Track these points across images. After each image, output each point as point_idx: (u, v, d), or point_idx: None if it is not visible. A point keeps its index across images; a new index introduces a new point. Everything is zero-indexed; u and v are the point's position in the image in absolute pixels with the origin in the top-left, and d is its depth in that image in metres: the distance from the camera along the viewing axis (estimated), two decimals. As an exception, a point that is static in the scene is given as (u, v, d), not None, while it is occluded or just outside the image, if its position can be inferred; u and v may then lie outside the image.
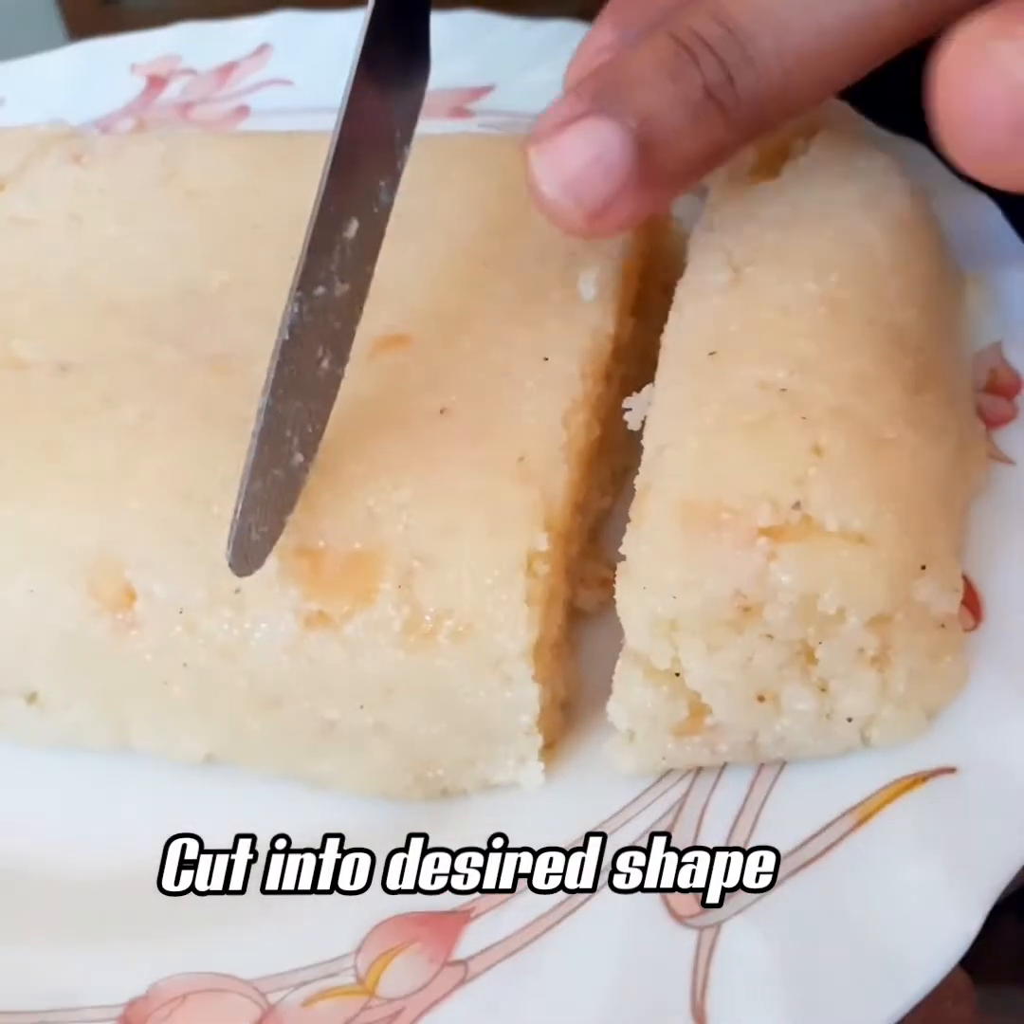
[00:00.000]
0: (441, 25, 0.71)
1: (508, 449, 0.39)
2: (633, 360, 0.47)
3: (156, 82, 0.71)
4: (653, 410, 0.41)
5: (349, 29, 0.71)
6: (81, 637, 0.38)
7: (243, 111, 0.69)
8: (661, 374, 0.42)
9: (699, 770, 0.38)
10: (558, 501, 0.39)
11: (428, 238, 0.48)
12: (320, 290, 0.38)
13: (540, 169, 0.37)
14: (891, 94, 0.60)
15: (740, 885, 0.34)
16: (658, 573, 0.36)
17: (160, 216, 0.50)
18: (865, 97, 0.49)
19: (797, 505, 0.36)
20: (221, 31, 0.73)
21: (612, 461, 0.47)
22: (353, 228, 0.40)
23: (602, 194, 0.37)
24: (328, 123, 0.65)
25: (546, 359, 0.42)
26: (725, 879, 0.34)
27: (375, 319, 0.42)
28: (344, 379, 0.39)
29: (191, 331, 0.45)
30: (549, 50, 0.67)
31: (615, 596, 0.37)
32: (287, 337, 0.37)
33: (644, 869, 0.35)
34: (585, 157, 0.37)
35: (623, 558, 0.37)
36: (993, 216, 0.53)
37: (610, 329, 0.45)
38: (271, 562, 0.36)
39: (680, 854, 0.35)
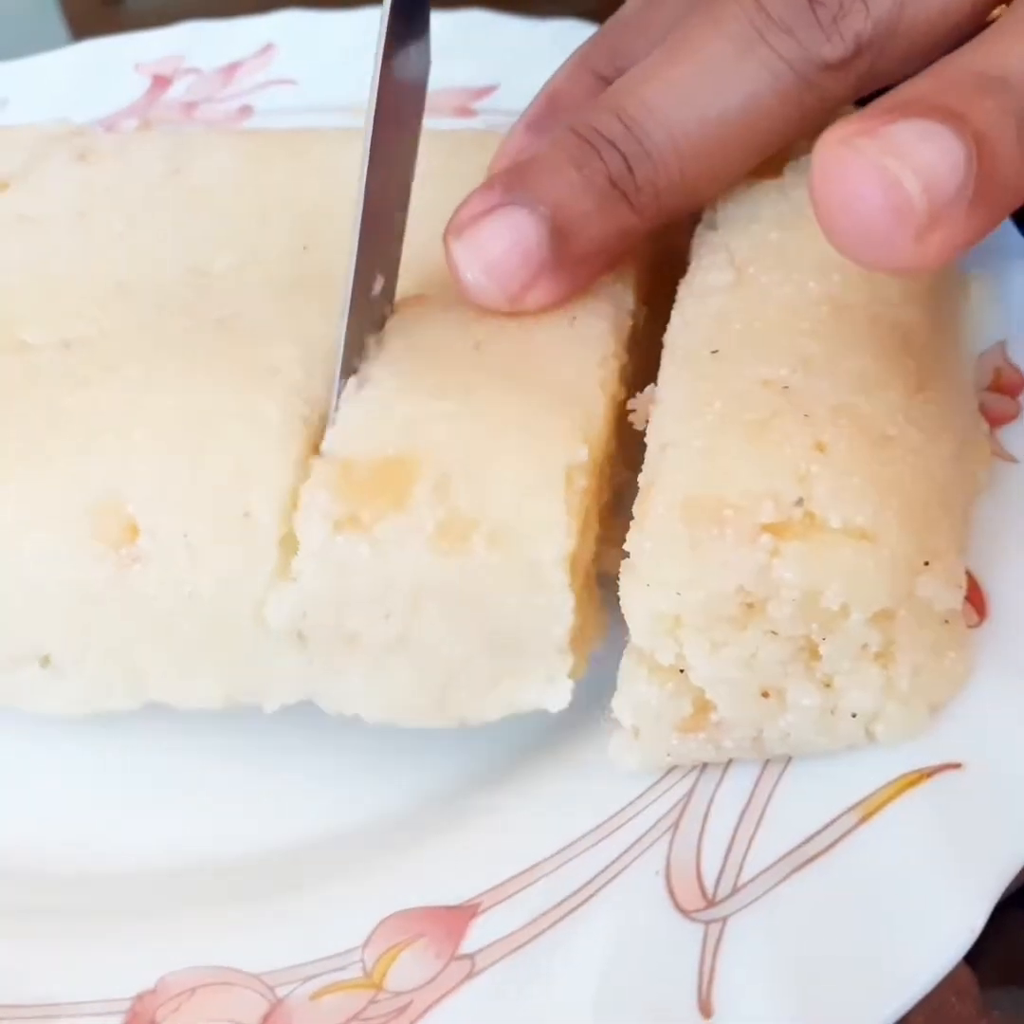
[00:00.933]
0: (445, 24, 0.71)
1: (546, 378, 0.39)
2: (643, 353, 0.47)
3: (160, 82, 0.72)
4: (656, 408, 0.41)
5: (353, 28, 0.72)
6: (88, 583, 0.38)
7: (247, 111, 0.70)
8: (664, 372, 0.42)
9: (704, 766, 0.38)
10: (597, 422, 0.39)
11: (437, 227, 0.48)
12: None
13: (461, 257, 0.40)
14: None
15: (746, 880, 0.34)
16: (661, 570, 0.36)
17: (167, 211, 0.50)
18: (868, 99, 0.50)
19: (800, 502, 0.36)
20: (225, 30, 0.73)
21: (634, 445, 0.47)
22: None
23: (521, 278, 0.40)
24: (332, 122, 0.66)
25: (574, 318, 0.42)
26: (731, 874, 0.35)
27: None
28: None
29: (198, 304, 0.45)
30: (553, 50, 0.67)
31: (619, 593, 0.37)
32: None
33: (650, 864, 0.36)
34: (503, 244, 0.40)
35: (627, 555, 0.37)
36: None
37: (630, 305, 0.45)
38: (284, 486, 0.37)
39: (685, 849, 0.36)
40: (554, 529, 0.36)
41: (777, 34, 0.39)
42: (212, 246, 0.48)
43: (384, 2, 0.41)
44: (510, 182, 0.41)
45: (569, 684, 0.38)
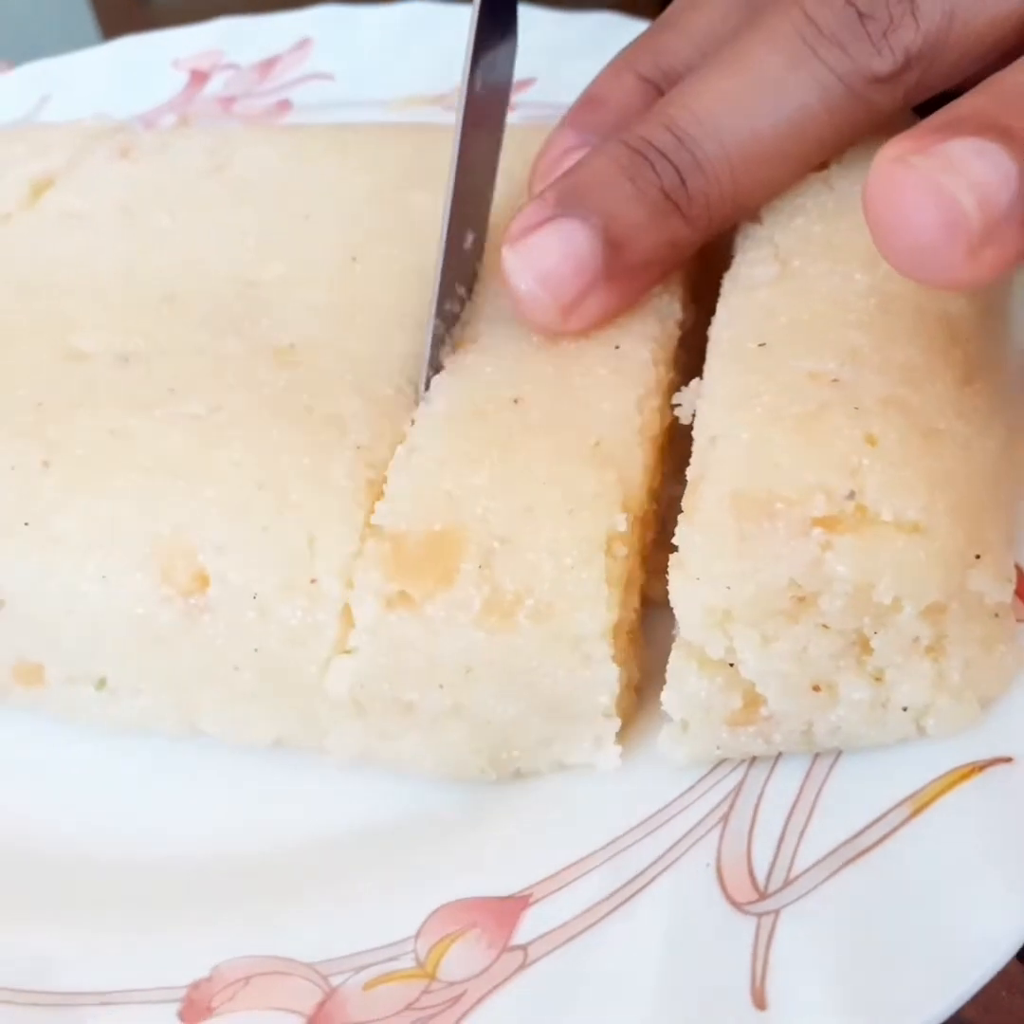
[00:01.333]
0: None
1: (584, 434, 0.40)
2: (695, 349, 0.47)
3: (198, 77, 0.72)
4: (703, 402, 0.41)
5: (389, 22, 0.72)
6: (152, 622, 0.39)
7: (285, 105, 0.70)
8: (710, 366, 0.42)
9: (753, 760, 0.38)
10: (635, 483, 0.39)
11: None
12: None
13: (515, 267, 0.41)
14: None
15: (798, 874, 0.34)
16: (712, 564, 0.36)
17: (211, 208, 0.51)
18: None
19: (851, 495, 0.36)
20: (262, 26, 0.74)
21: (682, 449, 0.48)
22: None
23: (575, 288, 0.41)
24: (369, 116, 0.66)
25: (617, 347, 0.42)
26: (783, 867, 0.35)
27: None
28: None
29: (250, 322, 0.45)
30: (589, 43, 0.67)
31: (662, 574, 0.37)
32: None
33: (701, 857, 0.36)
34: (557, 255, 0.40)
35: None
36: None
37: (678, 315, 0.45)
38: (350, 552, 0.37)
39: (736, 842, 0.36)
40: (596, 603, 0.37)
41: (828, 47, 0.39)
42: (258, 252, 0.48)
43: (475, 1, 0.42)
44: (563, 194, 0.41)
45: (617, 748, 0.39)
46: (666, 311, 0.45)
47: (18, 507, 0.40)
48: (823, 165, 0.48)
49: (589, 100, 0.48)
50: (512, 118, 0.67)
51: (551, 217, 0.40)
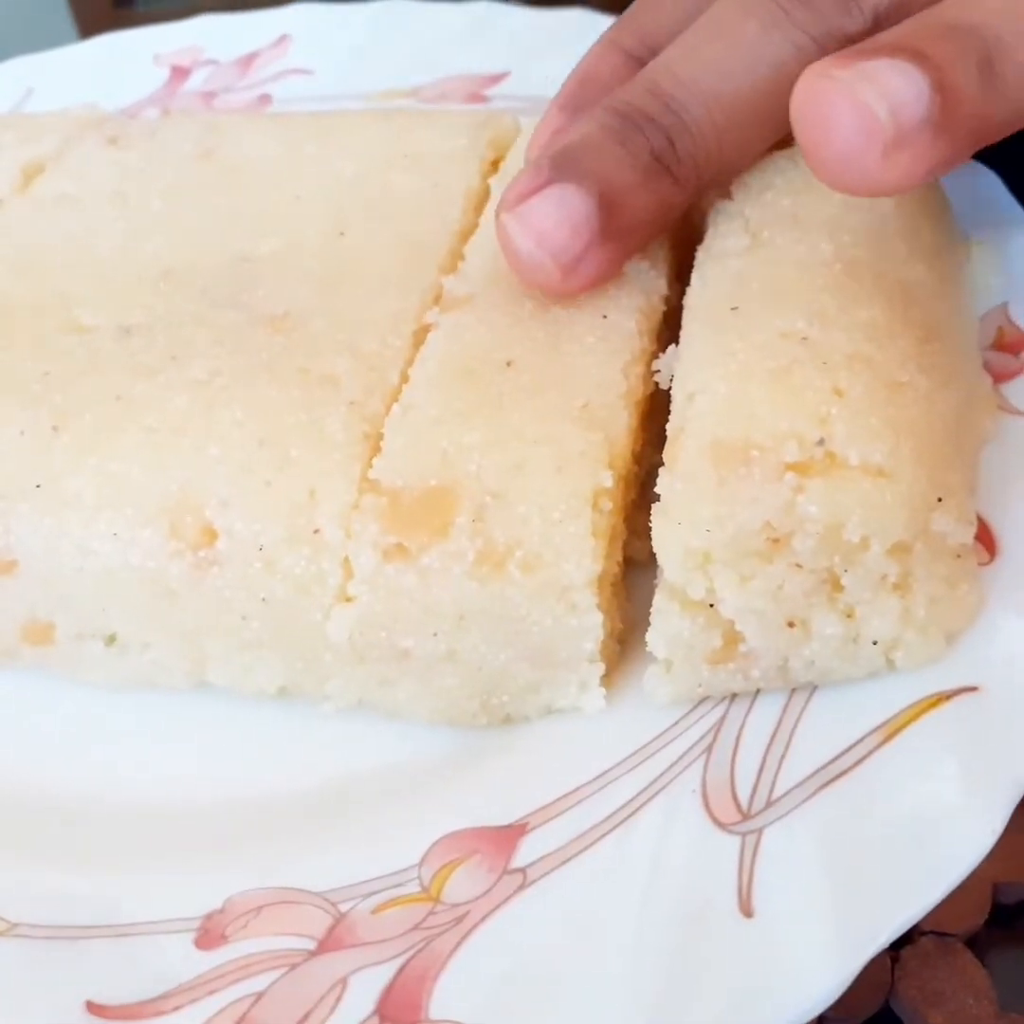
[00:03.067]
0: (457, 14, 0.74)
1: (572, 397, 0.41)
2: (673, 326, 0.50)
3: (179, 72, 0.74)
4: (680, 363, 0.43)
5: (366, 20, 0.75)
6: (163, 576, 0.40)
7: (265, 100, 0.72)
8: (686, 330, 0.45)
9: (733, 697, 0.41)
10: (620, 443, 0.41)
11: (485, 213, 0.51)
12: None
13: (515, 231, 0.42)
14: None
15: (779, 795, 0.37)
16: (692, 509, 0.38)
17: (203, 191, 0.53)
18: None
19: (821, 442, 0.38)
20: (241, 22, 0.75)
21: (661, 421, 0.50)
22: None
23: (573, 249, 0.42)
24: (349, 108, 0.67)
25: (605, 316, 0.45)
26: (764, 791, 0.37)
27: (438, 281, 0.47)
28: (415, 332, 0.44)
29: (246, 293, 0.47)
30: (562, 38, 0.69)
31: (651, 533, 0.39)
32: None
33: (686, 784, 0.38)
34: (555, 217, 0.42)
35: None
36: (993, 184, 0.56)
37: (663, 290, 0.47)
38: (349, 501, 0.39)
39: (720, 769, 0.38)
40: (582, 555, 0.39)
41: (800, 10, 0.41)
42: (251, 229, 0.50)
43: None
44: (557, 160, 0.42)
45: (601, 690, 0.41)
46: (652, 286, 0.47)
47: (30, 470, 0.41)
48: (789, 143, 0.51)
49: (578, 81, 0.50)
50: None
51: (547, 182, 0.42)
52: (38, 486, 0.41)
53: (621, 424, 0.42)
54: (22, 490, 0.41)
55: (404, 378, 0.44)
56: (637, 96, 0.43)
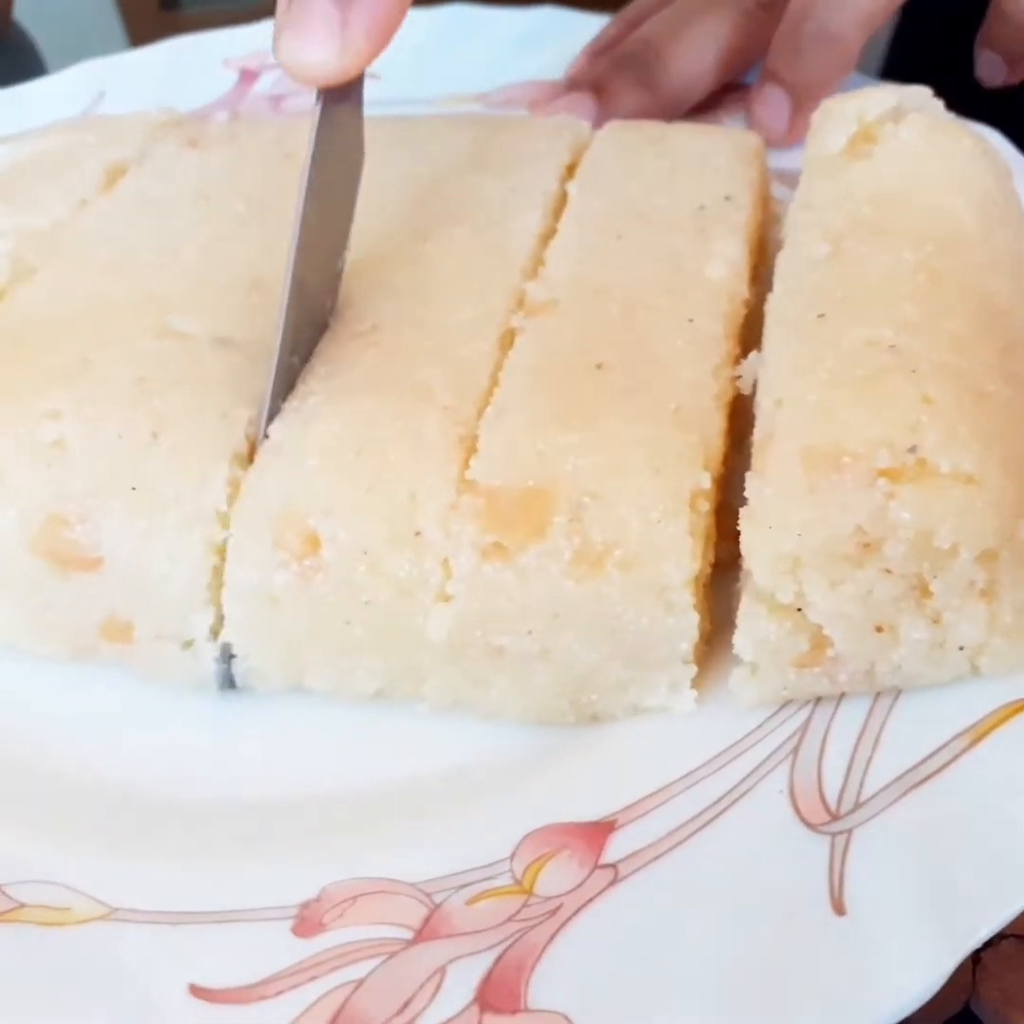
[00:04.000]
0: (520, 20, 0.75)
1: (664, 399, 0.42)
2: (749, 329, 0.50)
3: (248, 76, 0.75)
4: (765, 370, 0.44)
5: (432, 25, 0.75)
6: (268, 586, 0.41)
7: (334, 104, 0.73)
8: (770, 337, 0.45)
9: (818, 700, 0.41)
10: (714, 445, 0.42)
11: (564, 218, 0.52)
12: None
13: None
14: (969, 86, 0.65)
15: (867, 797, 0.37)
16: (783, 513, 0.39)
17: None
18: (945, 88, 0.54)
19: (913, 449, 0.39)
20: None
21: (738, 424, 0.50)
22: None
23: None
24: (417, 112, 0.68)
25: (691, 320, 0.45)
26: (853, 792, 0.37)
27: (521, 285, 0.48)
28: (501, 337, 0.46)
29: (337, 307, 0.48)
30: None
31: (740, 537, 0.40)
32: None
33: (773, 785, 0.38)
34: (571, 112, 0.64)
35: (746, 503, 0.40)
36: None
37: (745, 295, 0.48)
38: (448, 502, 0.40)
39: (807, 771, 0.38)
40: (681, 554, 0.39)
41: None
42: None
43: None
44: (573, 78, 0.69)
45: (692, 692, 0.42)
46: (735, 291, 0.48)
47: (126, 472, 0.42)
48: (868, 155, 0.52)
49: (598, 41, 0.72)
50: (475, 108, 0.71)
51: (566, 90, 0.67)
52: (134, 489, 0.42)
53: (714, 426, 0.42)
54: (116, 490, 0.42)
55: (494, 382, 0.44)
56: (632, 45, 0.68)
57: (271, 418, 0.44)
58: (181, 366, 0.45)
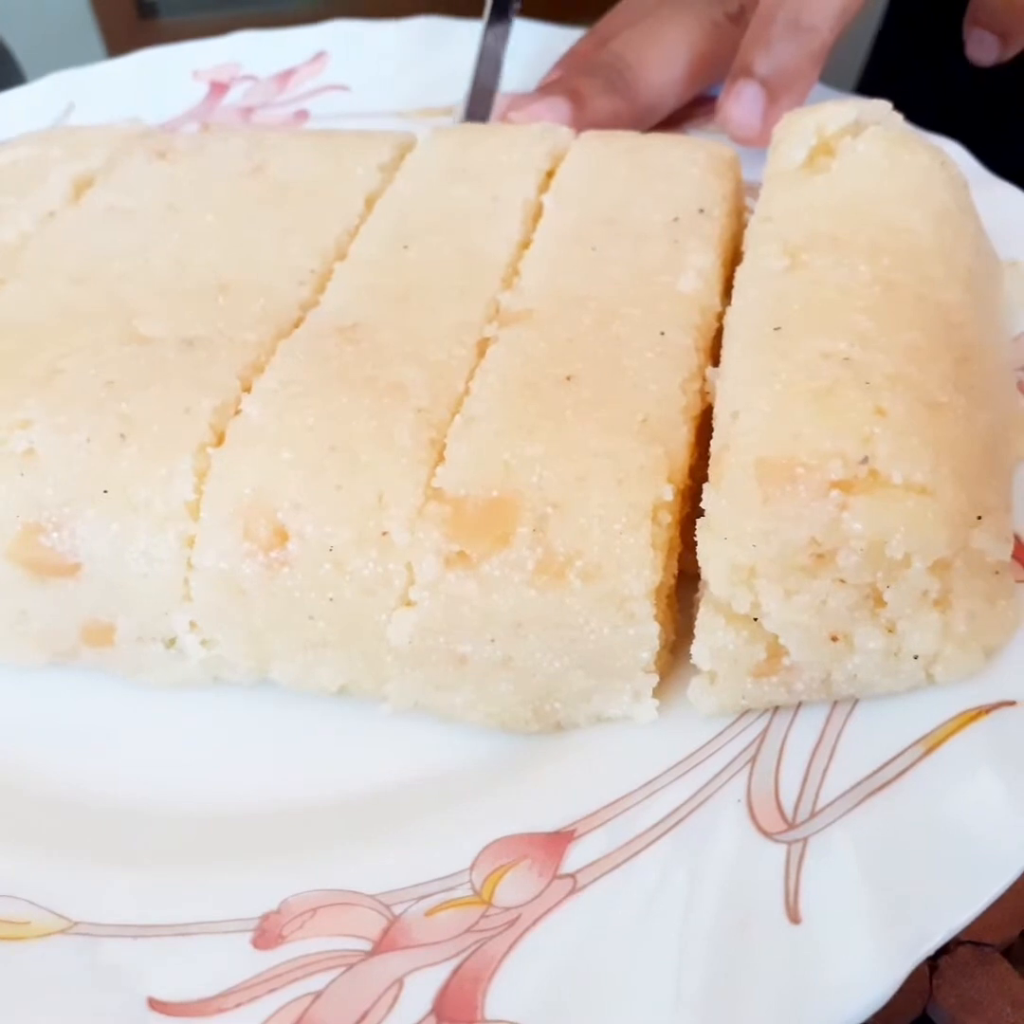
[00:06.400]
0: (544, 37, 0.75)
1: (632, 411, 0.42)
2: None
3: (218, 87, 0.75)
4: (723, 381, 0.44)
5: (401, 37, 0.76)
6: (235, 576, 0.41)
7: (303, 115, 0.73)
8: (728, 349, 0.46)
9: (776, 709, 0.42)
10: (680, 458, 0.42)
11: (539, 229, 0.52)
12: None
13: (520, 120, 0.65)
14: (927, 97, 0.66)
15: (823, 805, 0.38)
16: (738, 524, 0.39)
17: (255, 206, 0.54)
18: (904, 100, 0.54)
19: (865, 460, 0.39)
20: (279, 39, 0.77)
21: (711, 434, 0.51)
22: None
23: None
24: (387, 126, 0.69)
25: (663, 333, 0.46)
26: (809, 801, 0.38)
27: (498, 297, 0.48)
28: (478, 343, 0.47)
29: (311, 307, 0.48)
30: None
31: (696, 547, 0.40)
32: None
33: (731, 793, 0.39)
34: (546, 115, 0.65)
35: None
36: (1024, 207, 0.57)
37: (718, 308, 0.48)
38: (416, 505, 0.40)
39: (764, 780, 0.39)
40: (642, 566, 0.40)
41: (700, 3, 0.69)
42: (310, 245, 0.51)
43: None
44: (549, 84, 0.69)
45: (654, 701, 0.42)
46: (707, 304, 0.48)
47: (97, 476, 0.42)
48: (826, 168, 0.52)
49: (569, 54, 0.73)
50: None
51: (542, 95, 0.67)
52: (105, 492, 0.42)
53: (680, 438, 0.43)
54: (89, 495, 0.42)
55: (469, 388, 0.45)
56: (600, 56, 0.69)
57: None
58: (148, 368, 0.45)
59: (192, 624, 0.43)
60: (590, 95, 0.66)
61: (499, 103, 0.69)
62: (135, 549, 0.42)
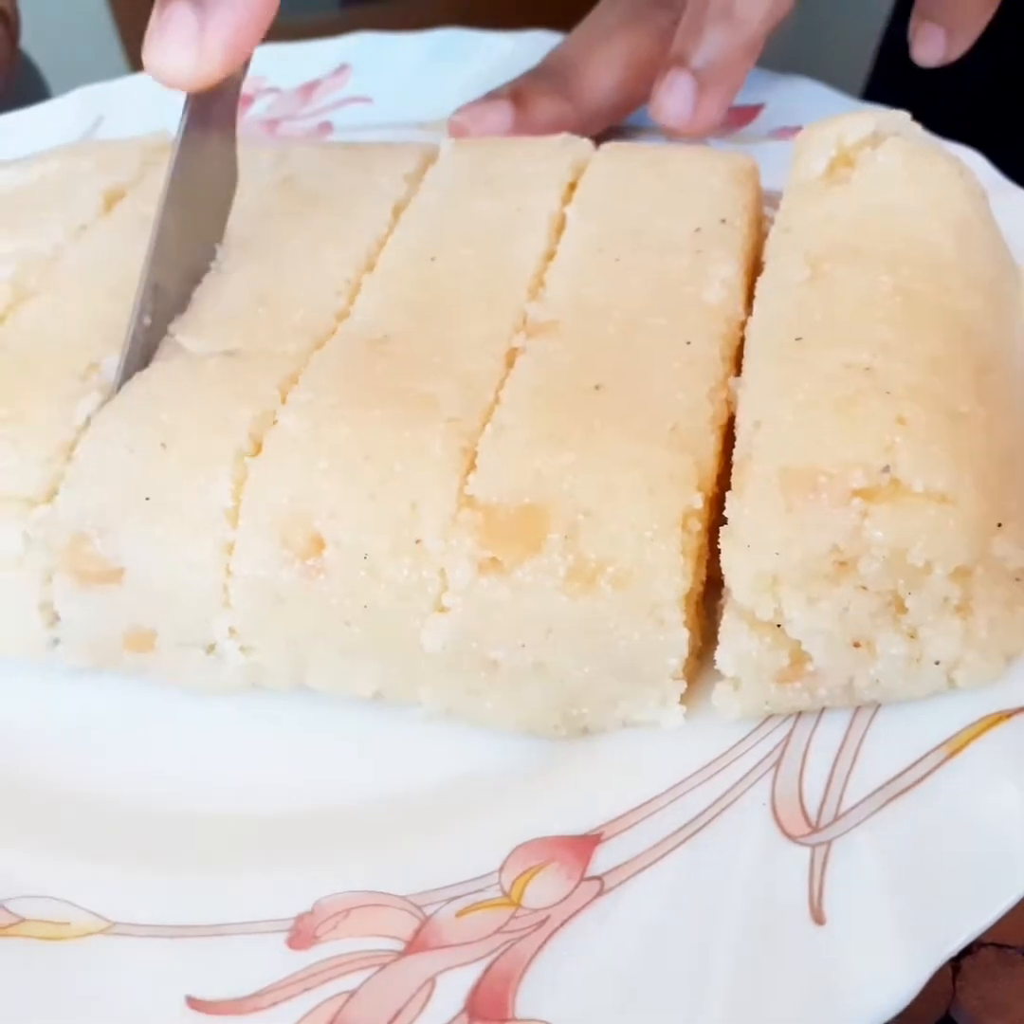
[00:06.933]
0: (511, 44, 0.76)
1: (661, 420, 0.43)
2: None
3: (243, 100, 0.75)
4: (745, 391, 0.45)
5: (424, 48, 0.77)
6: (273, 583, 0.42)
7: (327, 127, 0.74)
8: (750, 359, 0.46)
9: (799, 714, 0.42)
10: (708, 466, 0.43)
11: (563, 240, 0.53)
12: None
13: (464, 126, 0.66)
14: (948, 106, 0.66)
15: (847, 809, 0.38)
16: (761, 532, 0.40)
17: (285, 218, 0.55)
18: (924, 110, 0.55)
19: (886, 469, 0.40)
20: (303, 51, 0.78)
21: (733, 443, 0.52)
22: None
23: (499, 130, 0.66)
24: (413, 137, 0.70)
25: (689, 343, 0.46)
26: (832, 804, 0.38)
27: (525, 308, 0.49)
28: (507, 354, 0.48)
29: (344, 319, 0.49)
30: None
31: (720, 555, 0.41)
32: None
33: (756, 797, 0.39)
34: (492, 123, 0.66)
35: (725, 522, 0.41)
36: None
37: (742, 317, 0.49)
38: (449, 513, 0.41)
39: (788, 784, 0.39)
40: (672, 573, 0.40)
41: (647, 8, 0.69)
42: (342, 256, 0.52)
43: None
44: (495, 92, 0.68)
45: (681, 708, 0.43)
46: (731, 313, 0.49)
47: (139, 484, 0.43)
48: (846, 179, 0.53)
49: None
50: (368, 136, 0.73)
51: (492, 104, 0.66)
52: (147, 499, 0.43)
53: (709, 447, 0.43)
54: (131, 503, 0.43)
55: (498, 398, 0.45)
56: (545, 60, 0.70)
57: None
58: (188, 379, 0.47)
59: (231, 630, 0.44)
60: (534, 97, 0.66)
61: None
62: (176, 556, 0.43)
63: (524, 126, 0.65)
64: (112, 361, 0.48)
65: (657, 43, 0.67)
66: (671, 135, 0.64)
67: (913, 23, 0.65)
